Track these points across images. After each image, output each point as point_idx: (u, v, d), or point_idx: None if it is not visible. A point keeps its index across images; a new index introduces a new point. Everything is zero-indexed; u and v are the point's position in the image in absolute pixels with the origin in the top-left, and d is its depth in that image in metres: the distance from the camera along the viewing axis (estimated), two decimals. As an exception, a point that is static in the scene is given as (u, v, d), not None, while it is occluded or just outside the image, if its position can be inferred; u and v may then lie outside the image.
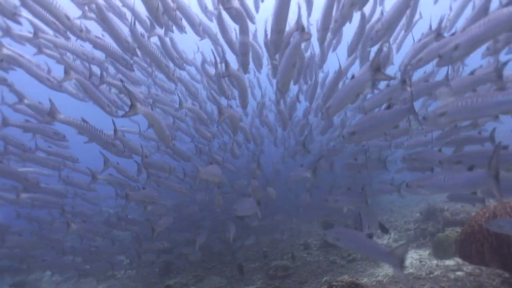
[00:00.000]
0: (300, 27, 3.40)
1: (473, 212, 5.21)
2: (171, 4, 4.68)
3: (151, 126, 4.16)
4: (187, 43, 6.62)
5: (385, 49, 5.11)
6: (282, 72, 3.79)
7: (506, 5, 3.73)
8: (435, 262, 4.85)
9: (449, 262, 4.68)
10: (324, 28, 4.45)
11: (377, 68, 3.26)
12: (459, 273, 4.23)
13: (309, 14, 5.98)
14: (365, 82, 3.42)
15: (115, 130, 4.67)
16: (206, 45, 6.68)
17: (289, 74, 3.81)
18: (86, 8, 4.78)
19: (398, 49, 6.03)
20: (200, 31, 5.69)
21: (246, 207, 4.74)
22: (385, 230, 4.75)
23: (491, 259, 3.37)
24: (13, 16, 4.50)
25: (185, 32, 5.52)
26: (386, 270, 4.97)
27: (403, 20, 5.34)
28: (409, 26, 5.56)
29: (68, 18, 4.39)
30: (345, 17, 4.24)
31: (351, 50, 5.56)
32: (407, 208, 9.53)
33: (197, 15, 5.62)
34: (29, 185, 5.91)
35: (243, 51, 4.70)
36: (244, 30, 4.41)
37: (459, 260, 4.52)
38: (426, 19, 5.39)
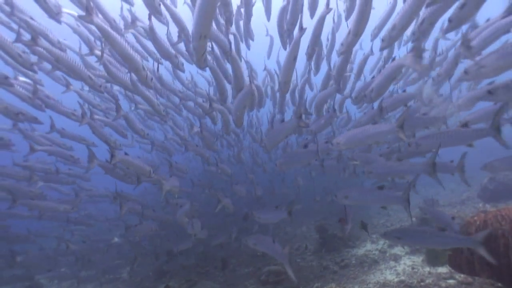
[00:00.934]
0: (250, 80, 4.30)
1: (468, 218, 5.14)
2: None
3: (129, 168, 4.90)
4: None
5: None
6: (234, 112, 4.75)
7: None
8: (427, 269, 4.77)
9: (442, 270, 4.60)
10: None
11: (300, 116, 4.26)
12: (451, 281, 4.16)
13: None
14: (293, 126, 4.38)
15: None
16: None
17: (240, 114, 4.78)
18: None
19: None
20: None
21: (196, 226, 5.65)
22: (365, 228, 4.91)
23: (481, 269, 3.30)
24: (31, 66, 5.11)
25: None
26: (377, 277, 4.89)
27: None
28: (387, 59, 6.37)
29: (91, 78, 4.98)
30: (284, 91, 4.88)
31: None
32: (404, 212, 9.39)
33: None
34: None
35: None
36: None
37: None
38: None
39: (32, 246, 8.55)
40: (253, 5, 5.80)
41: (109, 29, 3.72)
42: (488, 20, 4.59)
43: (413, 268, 4.95)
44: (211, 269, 7.23)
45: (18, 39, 4.60)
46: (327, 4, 4.53)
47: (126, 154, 4.88)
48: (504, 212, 3.36)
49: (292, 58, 4.07)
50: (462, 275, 4.13)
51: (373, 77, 5.34)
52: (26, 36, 4.77)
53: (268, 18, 6.55)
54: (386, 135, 3.84)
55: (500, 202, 7.36)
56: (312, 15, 5.44)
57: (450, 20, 3.66)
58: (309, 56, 5.43)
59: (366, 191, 3.79)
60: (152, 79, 4.44)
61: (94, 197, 9.03)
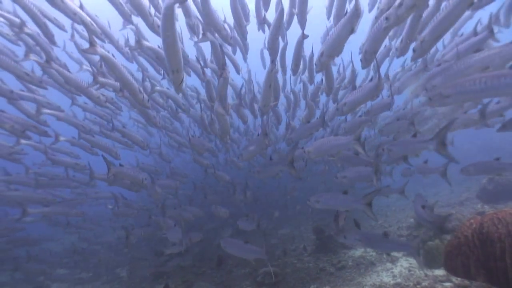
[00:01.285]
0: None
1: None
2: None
3: (124, 178, 5.32)
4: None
5: None
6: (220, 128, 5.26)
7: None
8: (424, 271, 4.72)
9: (438, 272, 4.54)
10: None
11: (266, 134, 4.99)
12: (447, 284, 4.11)
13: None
14: (263, 142, 5.05)
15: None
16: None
17: (225, 127, 5.26)
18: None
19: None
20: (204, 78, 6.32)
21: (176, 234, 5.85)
22: (358, 227, 5.10)
23: (477, 272, 3.25)
24: (40, 83, 5.52)
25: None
26: (373, 280, 4.85)
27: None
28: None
29: (99, 97, 5.43)
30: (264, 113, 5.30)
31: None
32: (402, 213, 9.38)
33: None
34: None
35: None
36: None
37: (449, 271, 4.39)
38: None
39: (35, 249, 8.72)
40: (247, 25, 6.05)
41: (111, 57, 3.97)
42: (461, 35, 5.16)
43: (409, 270, 4.90)
44: (207, 270, 7.19)
45: (26, 57, 5.14)
46: (302, 32, 5.23)
47: (121, 165, 5.12)
48: (501, 215, 3.30)
49: (268, 86, 4.59)
50: (459, 278, 4.08)
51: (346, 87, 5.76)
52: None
53: (264, 31, 6.71)
54: (345, 146, 4.44)
55: (499, 203, 7.30)
56: (302, 27, 5.65)
57: (414, 50, 4.06)
58: (294, 72, 5.92)
59: (333, 196, 4.23)
60: (148, 100, 4.69)
61: (100, 199, 9.26)
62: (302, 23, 5.60)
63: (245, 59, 7.42)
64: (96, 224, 9.77)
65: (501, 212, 3.34)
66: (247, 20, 6.04)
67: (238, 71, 7.30)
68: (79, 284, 8.25)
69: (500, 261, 3.09)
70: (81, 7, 5.24)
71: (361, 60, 4.47)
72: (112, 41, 6.15)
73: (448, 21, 3.46)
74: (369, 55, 4.17)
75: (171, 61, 3.44)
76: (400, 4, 3.27)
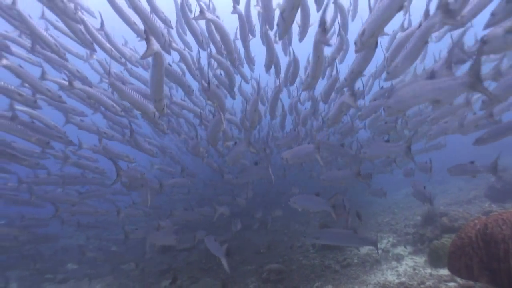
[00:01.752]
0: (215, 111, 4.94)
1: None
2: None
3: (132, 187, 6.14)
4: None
5: None
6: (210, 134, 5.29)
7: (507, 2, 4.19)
8: (429, 271, 4.72)
9: (443, 272, 4.54)
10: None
11: (249, 141, 5.26)
12: (451, 284, 4.11)
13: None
14: (244, 149, 5.37)
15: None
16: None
17: (215, 136, 5.32)
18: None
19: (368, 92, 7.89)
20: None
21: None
22: (359, 218, 5.43)
23: (480, 274, 3.24)
24: (59, 99, 5.79)
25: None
26: (378, 278, 4.87)
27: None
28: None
29: (114, 106, 5.79)
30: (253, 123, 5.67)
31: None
32: (410, 210, 9.32)
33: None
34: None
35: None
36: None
37: (453, 270, 4.38)
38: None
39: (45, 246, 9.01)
40: (250, 40, 6.39)
41: (121, 85, 4.20)
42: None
43: (414, 269, 4.91)
44: (213, 266, 7.30)
45: (42, 76, 5.68)
46: (292, 53, 5.82)
47: (128, 167, 5.68)
48: (505, 215, 3.28)
49: (253, 110, 5.17)
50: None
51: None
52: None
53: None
54: (311, 155, 4.83)
55: (506, 202, 7.20)
56: (301, 40, 5.94)
57: (388, 72, 4.41)
58: (291, 84, 6.53)
59: (307, 198, 4.63)
60: (159, 116, 4.85)
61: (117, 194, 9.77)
62: (303, 35, 5.75)
63: (252, 69, 7.87)
64: (107, 223, 10.06)
65: (505, 213, 3.33)
66: (253, 35, 6.47)
67: (246, 81, 7.87)
68: (91, 279, 8.45)
69: (504, 262, 3.08)
70: (101, 25, 5.70)
71: (345, 78, 4.95)
72: (125, 56, 6.56)
73: (412, 54, 3.80)
74: (355, 75, 4.72)
75: (155, 93, 3.95)
76: (363, 33, 3.56)
